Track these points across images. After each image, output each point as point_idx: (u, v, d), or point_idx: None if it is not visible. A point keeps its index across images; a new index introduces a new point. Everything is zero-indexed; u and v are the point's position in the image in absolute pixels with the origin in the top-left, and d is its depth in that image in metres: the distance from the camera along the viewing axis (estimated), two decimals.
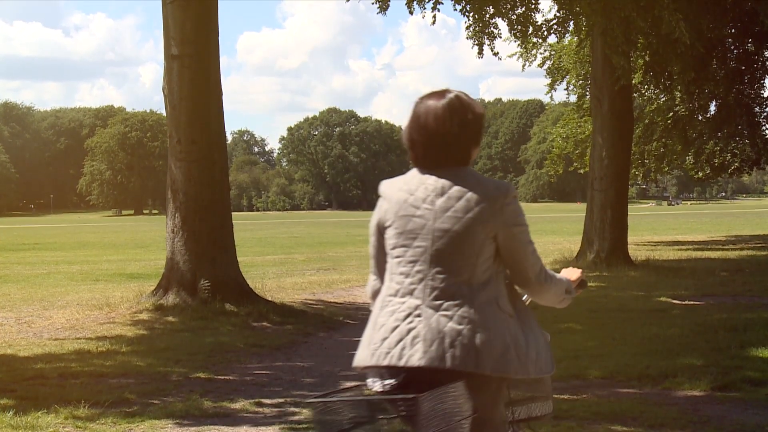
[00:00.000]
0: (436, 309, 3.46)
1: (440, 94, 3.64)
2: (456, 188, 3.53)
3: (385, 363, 3.52)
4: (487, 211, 3.50)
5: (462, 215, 3.49)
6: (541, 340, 3.65)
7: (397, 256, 3.60)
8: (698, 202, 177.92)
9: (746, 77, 31.63)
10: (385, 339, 3.54)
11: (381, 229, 3.70)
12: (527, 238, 3.61)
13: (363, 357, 3.64)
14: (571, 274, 3.97)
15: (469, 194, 3.51)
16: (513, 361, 3.46)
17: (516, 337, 3.51)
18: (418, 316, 3.48)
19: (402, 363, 3.47)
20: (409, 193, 3.60)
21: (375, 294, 3.80)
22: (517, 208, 3.59)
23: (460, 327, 3.41)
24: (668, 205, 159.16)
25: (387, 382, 3.55)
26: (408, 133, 3.67)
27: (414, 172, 3.68)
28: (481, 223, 3.49)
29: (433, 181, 3.57)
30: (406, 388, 3.44)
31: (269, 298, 16.17)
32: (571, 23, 24.65)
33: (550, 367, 3.67)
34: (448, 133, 3.56)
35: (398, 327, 3.51)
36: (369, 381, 3.65)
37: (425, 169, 3.63)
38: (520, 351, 3.49)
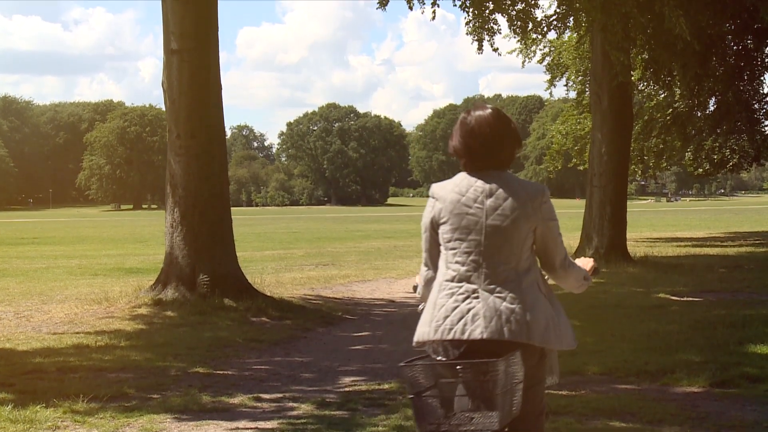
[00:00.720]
0: (491, 292, 4.09)
1: (483, 107, 4.29)
2: (502, 190, 4.16)
3: (449, 337, 4.07)
4: (530, 209, 4.16)
5: (509, 213, 4.13)
6: (565, 317, 4.33)
7: (453, 248, 4.19)
8: (697, 198, 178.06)
9: (746, 74, 31.62)
10: (447, 317, 4.10)
11: (435, 226, 4.28)
12: (558, 231, 4.31)
13: (426, 332, 4.17)
14: (585, 263, 4.65)
15: (514, 195, 4.15)
16: (552, 335, 4.17)
17: (552, 314, 4.21)
18: (476, 297, 4.09)
19: (465, 336, 4.04)
20: (460, 194, 4.19)
21: (428, 282, 4.37)
22: (551, 206, 4.26)
23: (513, 306, 4.07)
24: (667, 201, 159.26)
25: (450, 352, 4.08)
26: (459, 141, 4.25)
27: (462, 176, 4.25)
28: (525, 219, 4.15)
29: (481, 184, 4.18)
30: (465, 359, 3.98)
31: (268, 293, 16.17)
32: (571, 19, 24.62)
33: (574, 341, 4.36)
34: (497, 139, 4.20)
35: (458, 307, 4.09)
36: (431, 354, 4.15)
37: (473, 173, 4.21)
38: (556, 326, 4.20)
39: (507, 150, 4.24)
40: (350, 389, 9.31)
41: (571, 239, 31.63)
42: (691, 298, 16.20)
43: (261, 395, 8.95)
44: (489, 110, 4.25)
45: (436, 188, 4.31)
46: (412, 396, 4.00)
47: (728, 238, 39.17)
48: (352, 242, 41.50)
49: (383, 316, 15.74)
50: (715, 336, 11.50)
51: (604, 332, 12.31)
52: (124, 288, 17.54)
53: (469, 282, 4.12)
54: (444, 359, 4.07)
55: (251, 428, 7.68)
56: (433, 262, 4.34)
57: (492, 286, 4.10)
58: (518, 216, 4.14)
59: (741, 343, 10.96)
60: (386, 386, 9.33)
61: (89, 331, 12.94)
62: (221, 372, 10.28)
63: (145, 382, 9.44)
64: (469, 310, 4.07)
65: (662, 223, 58.61)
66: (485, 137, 4.18)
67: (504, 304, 4.07)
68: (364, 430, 7.50)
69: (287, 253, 33.71)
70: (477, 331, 4.02)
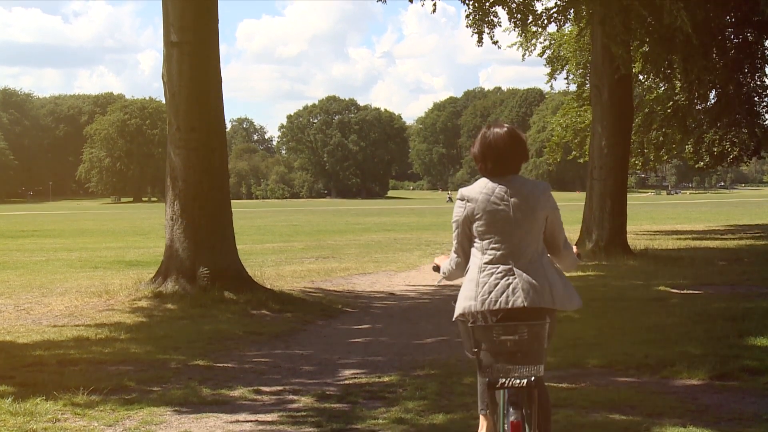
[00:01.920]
0: (524, 270, 5.11)
1: (501, 125, 5.35)
2: (521, 189, 5.19)
3: (495, 307, 5.04)
4: (543, 202, 5.22)
5: (531, 207, 5.17)
6: (570, 284, 5.32)
7: (488, 238, 5.18)
8: (697, 191, 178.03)
9: (746, 66, 31.58)
10: (491, 291, 5.07)
11: (468, 223, 5.24)
12: (560, 218, 5.39)
13: (472, 305, 5.10)
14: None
15: (530, 193, 5.19)
16: (567, 300, 5.21)
17: (563, 283, 5.25)
18: (513, 275, 5.09)
19: (509, 305, 5.03)
20: (488, 195, 5.18)
21: (458, 266, 5.36)
22: (553, 198, 5.34)
23: (540, 280, 5.11)
24: (667, 194, 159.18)
25: (489, 320, 5.04)
26: (479, 150, 5.27)
27: (485, 181, 5.25)
28: (541, 210, 5.21)
29: (503, 186, 5.19)
30: (502, 325, 4.97)
31: (268, 286, 16.17)
32: (571, 12, 24.60)
33: (580, 302, 5.32)
34: (509, 153, 5.23)
35: (499, 283, 5.09)
36: (473, 319, 5.10)
37: (494, 177, 5.23)
38: (567, 292, 5.25)
39: (517, 160, 5.27)
40: (350, 382, 9.32)
41: (571, 232, 31.53)
42: (691, 291, 16.21)
43: (261, 388, 8.95)
44: (505, 128, 5.31)
45: (466, 192, 5.26)
46: (475, 350, 4.99)
47: (728, 230, 39.17)
48: (352, 235, 41.51)
49: (383, 309, 15.74)
50: (714, 329, 11.51)
51: (604, 325, 12.32)
52: (124, 281, 17.55)
53: (505, 263, 5.12)
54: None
55: (251, 421, 7.69)
56: (463, 251, 5.32)
57: (523, 265, 5.12)
58: (536, 208, 5.18)
59: (741, 336, 10.97)
60: (386, 379, 9.34)
61: (89, 323, 12.95)
62: (221, 365, 10.28)
63: (146, 375, 9.45)
64: (509, 285, 5.07)
65: (662, 216, 58.61)
66: (500, 150, 5.22)
67: (534, 279, 5.09)
68: (364, 423, 7.51)
69: (287, 245, 33.71)
70: (519, 300, 5.02)
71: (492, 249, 5.16)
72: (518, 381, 4.82)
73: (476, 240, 5.23)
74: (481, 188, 5.22)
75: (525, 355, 4.91)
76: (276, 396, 8.65)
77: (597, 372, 9.41)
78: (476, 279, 5.15)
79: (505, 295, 5.05)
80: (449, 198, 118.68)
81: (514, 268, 5.10)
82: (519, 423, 4.76)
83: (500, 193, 5.17)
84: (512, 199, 5.15)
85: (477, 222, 5.19)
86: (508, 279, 5.09)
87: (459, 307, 5.18)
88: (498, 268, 5.13)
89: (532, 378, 4.85)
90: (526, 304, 5.01)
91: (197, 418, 7.76)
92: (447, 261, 5.46)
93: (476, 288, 5.12)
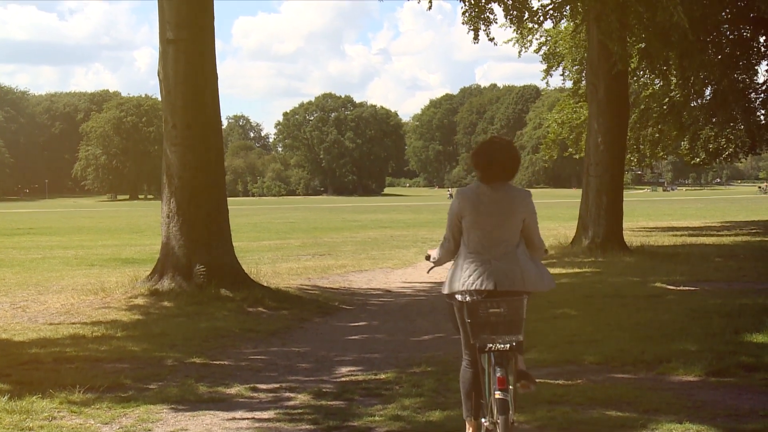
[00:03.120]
0: (498, 260, 6.11)
1: (501, 140, 6.32)
2: (505, 195, 6.16)
3: (472, 288, 6.06)
4: (522, 207, 6.19)
5: (510, 209, 6.16)
6: (545, 269, 6.34)
7: (473, 233, 6.17)
8: (693, 188, 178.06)
9: (741, 63, 31.59)
10: (470, 276, 6.10)
11: (459, 217, 6.23)
12: (536, 220, 6.33)
13: (455, 285, 6.14)
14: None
15: (512, 199, 6.18)
16: (538, 283, 6.19)
17: (536, 270, 6.22)
18: (489, 264, 6.09)
19: (482, 288, 6.04)
20: (477, 197, 6.17)
21: (447, 251, 6.40)
22: (533, 204, 6.26)
23: (512, 267, 6.09)
24: (663, 191, 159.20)
25: (473, 298, 6.05)
26: (477, 160, 6.19)
27: (478, 184, 6.22)
28: (520, 213, 6.19)
29: (491, 191, 6.16)
30: (485, 300, 6.02)
31: (264, 284, 16.17)
32: (567, 8, 24.58)
33: (553, 283, 6.35)
34: (503, 164, 6.16)
35: (477, 269, 6.09)
36: (459, 297, 6.13)
37: (487, 183, 6.17)
38: (540, 277, 6.21)
39: (509, 171, 6.18)
40: (347, 379, 9.32)
41: (567, 229, 31.63)
42: (687, 288, 16.22)
43: (258, 385, 8.96)
44: (504, 142, 6.30)
45: (461, 192, 6.29)
46: (468, 321, 6.02)
47: (724, 227, 39.19)
48: (348, 232, 41.51)
49: (380, 306, 15.76)
50: (711, 325, 11.51)
51: (600, 322, 12.32)
52: (120, 278, 17.54)
53: (486, 254, 6.12)
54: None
55: (248, 418, 7.69)
56: (453, 240, 6.33)
57: (498, 256, 6.12)
58: (515, 211, 6.17)
59: (737, 332, 10.97)
60: (383, 376, 9.35)
61: (86, 321, 12.94)
62: (218, 362, 10.28)
63: (142, 373, 9.45)
64: (484, 272, 6.07)
65: (658, 213, 58.65)
66: (495, 162, 6.14)
67: (507, 267, 6.08)
68: (360, 420, 7.51)
69: (284, 243, 33.71)
70: (490, 284, 6.04)
71: (477, 242, 6.16)
72: (502, 345, 5.94)
73: (465, 231, 6.23)
74: (473, 190, 6.23)
75: (506, 326, 5.98)
76: (273, 393, 8.66)
77: (593, 368, 9.42)
78: (461, 266, 6.19)
79: (480, 279, 6.06)
80: (450, 195, 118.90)
81: (492, 259, 6.11)
82: (504, 378, 5.85)
83: (487, 197, 6.15)
84: (494, 203, 6.13)
85: (465, 218, 6.20)
86: (484, 267, 6.09)
87: (446, 287, 6.27)
88: (480, 256, 6.14)
89: (513, 343, 5.97)
90: (493, 288, 6.03)
91: (194, 416, 7.76)
92: (436, 250, 6.51)
93: (460, 273, 6.16)
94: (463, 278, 6.14)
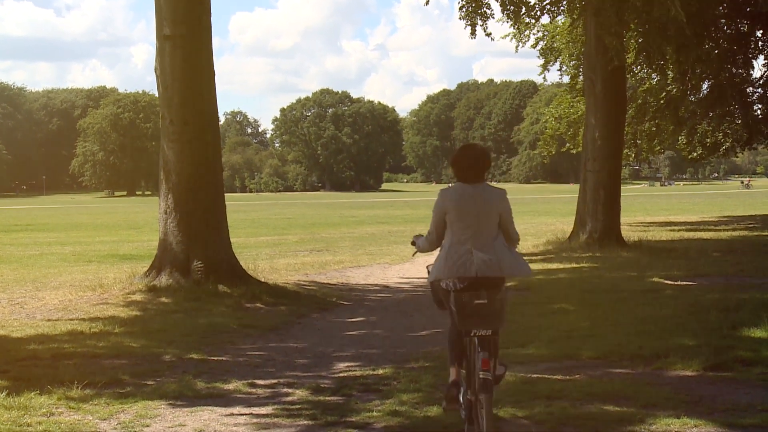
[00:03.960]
0: (479, 250, 6.76)
1: (474, 146, 7.24)
2: (484, 192, 6.88)
3: (456, 275, 6.72)
4: (498, 204, 6.90)
5: (488, 206, 6.86)
6: (521, 258, 7.00)
7: (456, 226, 6.84)
8: (691, 182, 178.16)
9: (739, 57, 31.60)
10: (455, 264, 6.75)
11: (443, 214, 6.91)
12: (511, 216, 7.02)
13: (441, 273, 6.81)
14: None
15: (490, 196, 6.90)
16: (515, 270, 6.84)
17: (513, 258, 6.86)
18: (470, 254, 6.75)
19: (466, 275, 6.70)
20: (460, 195, 6.87)
21: (431, 243, 7.13)
22: (508, 202, 7.00)
23: (491, 257, 6.75)
24: (661, 185, 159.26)
25: (458, 284, 6.70)
26: (457, 163, 6.97)
27: (459, 185, 6.94)
28: (497, 209, 6.90)
29: (471, 190, 6.87)
30: (469, 289, 6.68)
31: (262, 279, 16.18)
32: (564, 3, 24.59)
33: (530, 270, 7.02)
34: (478, 166, 6.94)
35: (461, 258, 6.75)
36: (443, 284, 6.85)
37: (466, 183, 6.91)
38: (516, 264, 6.85)
39: (483, 171, 6.99)
40: (345, 375, 9.33)
41: (564, 224, 31.68)
42: (684, 282, 16.23)
43: (256, 381, 8.97)
44: (478, 148, 7.15)
45: (445, 192, 7.02)
46: (454, 310, 6.68)
47: (722, 222, 39.22)
48: (346, 228, 41.52)
49: (377, 302, 15.76)
50: (708, 320, 11.53)
51: (598, 317, 12.33)
52: (118, 274, 17.54)
53: (466, 245, 6.80)
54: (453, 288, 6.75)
55: (246, 414, 7.70)
56: (436, 233, 7.02)
57: (479, 246, 6.79)
58: (492, 208, 6.89)
59: (734, 327, 10.98)
60: (381, 371, 9.35)
61: (83, 317, 12.93)
62: (216, 358, 10.28)
63: (140, 369, 9.45)
64: (467, 261, 6.75)
65: (656, 208, 58.69)
66: (471, 165, 6.94)
67: (486, 255, 6.76)
68: (358, 416, 7.52)
69: (281, 239, 33.71)
70: (472, 271, 6.71)
71: (461, 234, 6.85)
72: (484, 332, 6.61)
73: (449, 226, 6.92)
74: (456, 190, 6.96)
75: (489, 316, 6.65)
76: (271, 389, 8.66)
77: (591, 363, 9.43)
78: (446, 255, 6.85)
79: (464, 267, 6.74)
80: None
81: (473, 249, 6.78)
82: (487, 359, 6.51)
83: (468, 195, 6.88)
84: (476, 200, 6.86)
85: (449, 214, 6.90)
86: (467, 256, 6.76)
87: (433, 273, 6.97)
88: (461, 247, 6.80)
89: (495, 329, 6.67)
90: (474, 275, 6.70)
91: (192, 412, 7.76)
92: (422, 238, 7.33)
93: (446, 261, 6.83)
94: (447, 266, 6.83)
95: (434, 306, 7.26)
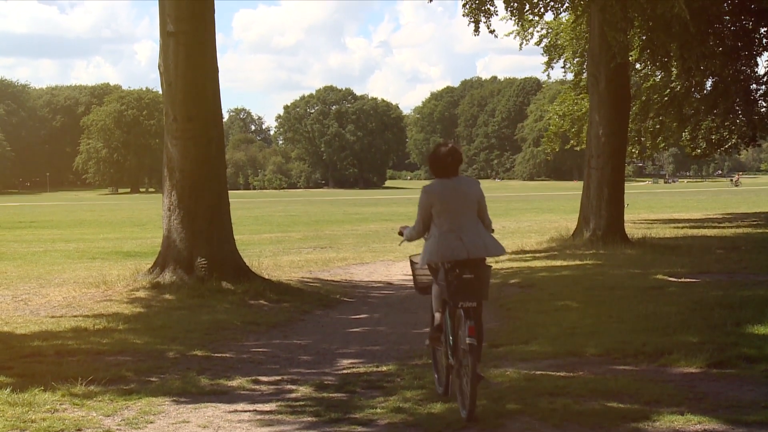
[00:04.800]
0: (465, 235, 7.69)
1: (447, 144, 8.04)
2: (463, 185, 7.88)
3: (449, 258, 7.62)
4: (474, 193, 7.89)
5: (467, 196, 7.84)
6: (496, 240, 7.95)
7: (442, 216, 7.77)
8: (694, 180, 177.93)
9: (743, 54, 31.53)
10: (447, 247, 7.64)
11: (429, 207, 7.84)
12: (485, 203, 8.00)
13: (435, 256, 7.73)
14: None
15: (469, 187, 7.90)
16: (495, 250, 7.81)
17: (493, 240, 7.88)
18: (459, 239, 7.66)
19: (458, 257, 7.59)
20: (442, 189, 7.82)
21: (418, 233, 8.05)
22: (482, 190, 7.99)
23: (476, 240, 7.70)
24: (665, 183, 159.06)
25: (448, 264, 7.62)
26: (434, 162, 7.93)
27: (439, 180, 7.88)
28: (475, 198, 7.89)
29: (451, 182, 7.84)
30: (457, 267, 7.56)
31: (266, 276, 16.18)
32: (568, 0, 24.55)
33: (504, 251, 8.06)
34: (453, 163, 7.89)
35: (451, 243, 7.66)
36: (434, 265, 7.86)
37: (444, 178, 7.87)
38: (496, 246, 7.84)
39: (458, 166, 7.95)
40: (348, 371, 9.34)
41: (568, 221, 31.65)
42: (688, 280, 16.21)
43: (259, 378, 8.98)
44: (449, 147, 7.99)
45: (428, 188, 7.90)
46: (441, 283, 7.67)
47: (726, 219, 39.16)
48: (349, 225, 41.53)
49: (381, 299, 15.77)
50: (712, 317, 11.52)
51: (601, 314, 12.33)
52: (121, 271, 17.56)
53: (453, 231, 7.72)
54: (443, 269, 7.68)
55: (250, 411, 7.71)
56: (423, 224, 7.96)
57: (465, 232, 7.72)
58: (472, 197, 7.87)
59: (738, 324, 10.98)
60: (384, 368, 9.36)
61: (87, 314, 12.95)
62: (219, 355, 10.30)
63: (144, 365, 9.46)
64: (456, 245, 7.66)
65: (660, 205, 58.63)
66: (448, 162, 7.88)
67: (472, 239, 7.70)
68: (362, 412, 7.53)
69: (285, 236, 33.73)
70: (463, 254, 7.62)
71: (445, 222, 7.75)
72: (470, 303, 7.45)
73: (434, 217, 7.84)
74: (438, 185, 7.87)
75: (475, 290, 7.51)
76: (274, 386, 8.68)
77: (594, 360, 9.43)
78: (437, 241, 7.74)
79: (456, 251, 7.62)
80: None
81: (461, 235, 7.69)
82: (473, 327, 7.27)
83: (449, 188, 7.81)
84: (456, 192, 7.80)
85: (434, 207, 7.81)
86: (456, 241, 7.67)
87: (425, 257, 7.86)
88: (451, 234, 7.70)
89: (480, 302, 7.56)
90: (467, 257, 7.60)
91: (196, 408, 7.77)
92: (409, 228, 8.26)
93: (437, 246, 7.72)
94: (441, 251, 7.69)
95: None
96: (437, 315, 7.97)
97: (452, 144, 8.09)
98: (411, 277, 8.72)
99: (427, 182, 8.21)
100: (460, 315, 7.49)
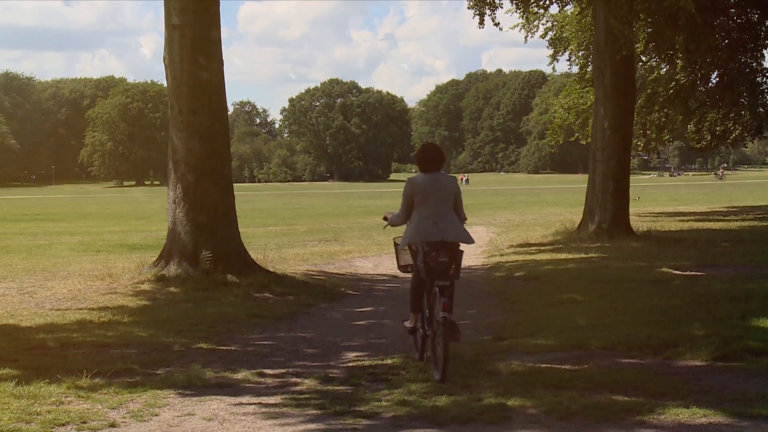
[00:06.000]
0: (441, 222, 8.81)
1: (431, 144, 9.55)
2: (442, 179, 9.06)
3: (426, 240, 8.74)
4: (451, 188, 9.03)
5: (444, 189, 8.99)
6: (468, 231, 9.08)
7: (423, 205, 8.92)
8: (700, 173, 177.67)
9: (749, 46, 31.46)
10: (424, 231, 8.79)
11: (411, 197, 9.02)
12: (461, 198, 9.12)
13: (414, 239, 8.92)
14: None
15: (447, 183, 9.08)
16: (466, 238, 8.92)
17: (464, 229, 9.00)
18: (436, 225, 8.80)
19: (434, 240, 8.73)
20: (423, 182, 8.99)
21: (401, 219, 9.25)
22: (458, 186, 9.22)
23: (451, 227, 8.84)
24: (670, 176, 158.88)
25: (426, 247, 8.72)
26: (419, 159, 9.20)
27: (422, 174, 9.08)
28: (452, 191, 9.02)
29: (432, 177, 9.02)
30: (434, 251, 8.66)
31: (271, 269, 16.18)
32: None
33: (473, 240, 9.16)
34: (436, 160, 9.14)
35: (429, 228, 8.81)
36: (414, 247, 9.04)
37: (427, 173, 9.07)
38: (467, 235, 8.94)
39: (440, 163, 9.19)
40: (353, 364, 9.34)
41: (573, 214, 31.63)
42: (693, 273, 16.19)
43: (264, 371, 8.98)
44: (433, 146, 9.49)
45: (413, 179, 9.14)
46: (420, 264, 8.78)
47: (731, 212, 39.13)
48: (354, 218, 41.54)
49: (386, 292, 15.77)
50: (717, 310, 11.50)
51: (607, 307, 12.32)
52: (127, 264, 17.56)
53: (432, 218, 8.85)
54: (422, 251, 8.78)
55: (255, 403, 7.71)
56: (406, 211, 9.12)
57: (441, 220, 8.85)
58: (449, 190, 9.02)
59: (743, 317, 10.96)
60: (389, 361, 9.36)
61: (92, 307, 12.96)
62: (225, 347, 10.30)
63: (149, 358, 9.47)
64: (434, 230, 8.79)
65: (665, 198, 58.59)
66: (432, 160, 9.16)
67: (447, 227, 8.83)
68: (367, 405, 7.52)
69: (290, 229, 33.74)
70: (439, 237, 8.75)
71: (425, 210, 8.92)
72: (443, 282, 8.50)
73: (416, 205, 9.01)
74: (420, 178, 9.08)
75: (448, 270, 8.59)
76: (279, 378, 8.68)
77: (600, 353, 9.42)
78: (417, 226, 8.92)
79: (432, 234, 8.77)
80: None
81: (437, 221, 8.83)
82: (447, 303, 8.35)
83: (430, 182, 9.01)
84: (436, 185, 8.98)
85: (416, 196, 8.99)
86: (433, 226, 8.81)
87: (406, 240, 9.09)
88: (428, 220, 8.85)
89: (453, 281, 8.61)
90: (443, 239, 8.73)
91: (200, 401, 7.78)
92: (394, 214, 9.47)
93: (417, 230, 8.89)
94: (419, 234, 8.86)
95: None
96: (412, 316, 9.28)
97: (437, 145, 9.65)
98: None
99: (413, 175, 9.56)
100: (436, 292, 8.58)
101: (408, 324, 9.39)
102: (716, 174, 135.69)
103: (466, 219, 9.20)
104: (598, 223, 24.02)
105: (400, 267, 9.77)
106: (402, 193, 9.14)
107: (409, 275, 9.46)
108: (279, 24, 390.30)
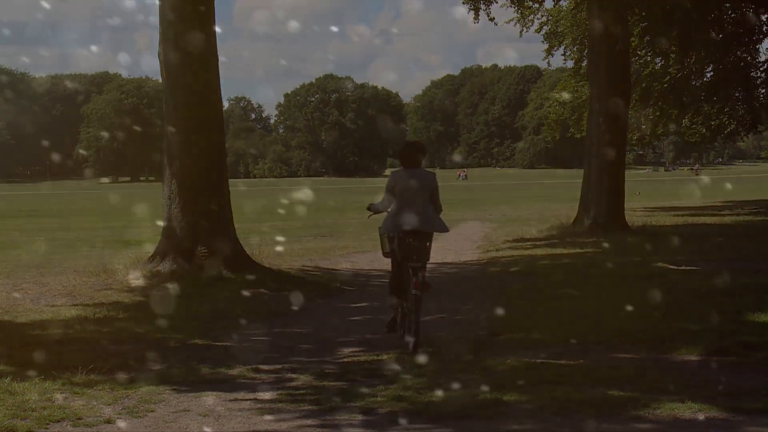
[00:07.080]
0: (417, 213, 9.89)
1: (413, 141, 11.04)
2: (421, 175, 10.17)
3: (402, 228, 9.86)
4: (429, 183, 10.17)
5: (421, 184, 10.10)
6: (443, 221, 10.30)
7: (402, 197, 9.99)
8: (694, 167, 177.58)
9: (744, 41, 31.49)
10: (402, 220, 9.82)
11: (393, 189, 10.10)
12: (438, 192, 10.30)
13: (392, 227, 10.00)
14: None
15: (424, 178, 10.17)
16: (439, 227, 10.19)
17: (439, 220, 10.20)
18: (412, 215, 9.81)
19: (408, 228, 9.81)
20: (404, 176, 10.12)
21: (384, 207, 10.30)
22: (436, 181, 10.35)
23: (424, 217, 9.95)
24: (665, 170, 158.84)
25: (401, 234, 9.88)
26: (404, 156, 10.33)
27: (403, 170, 10.22)
28: (427, 186, 10.14)
29: (410, 172, 10.15)
30: (408, 237, 9.84)
31: (266, 265, 16.17)
32: None
33: (448, 229, 10.64)
34: (416, 156, 10.29)
35: (404, 217, 9.82)
36: (392, 233, 10.06)
37: (408, 168, 10.20)
38: (440, 224, 10.20)
39: (421, 160, 10.25)
40: (349, 360, 9.34)
41: (569, 209, 31.59)
42: (688, 267, 16.20)
43: (260, 366, 8.97)
44: (415, 144, 10.76)
45: (395, 173, 10.28)
46: (397, 249, 9.97)
47: (726, 206, 39.15)
48: (350, 213, 41.47)
49: (382, 287, 15.71)
50: (712, 305, 11.51)
51: (601, 302, 12.34)
52: (122, 260, 17.52)
53: (409, 209, 9.84)
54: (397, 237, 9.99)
55: (250, 399, 7.71)
56: (388, 200, 10.15)
57: (417, 211, 9.86)
58: (425, 185, 10.07)
59: (738, 312, 10.99)
60: (385, 357, 9.36)
61: (88, 303, 12.95)
62: (220, 343, 10.30)
63: (144, 354, 9.45)
64: (410, 219, 9.77)
65: (660, 193, 58.59)
66: (412, 156, 10.24)
67: (422, 217, 9.85)
68: (363, 401, 7.53)
69: (285, 224, 33.70)
70: (414, 225, 9.78)
71: (403, 202, 9.96)
72: (415, 264, 9.68)
73: (396, 196, 10.05)
74: (402, 173, 10.17)
75: (419, 253, 9.79)
76: (275, 374, 8.68)
77: (595, 348, 9.43)
78: (395, 215, 9.97)
79: (408, 223, 9.79)
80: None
81: (413, 212, 9.83)
82: (417, 282, 9.55)
83: (409, 177, 10.06)
84: (414, 180, 10.04)
85: (396, 188, 10.03)
86: (411, 217, 9.80)
87: (385, 227, 10.12)
88: (405, 210, 9.86)
89: (423, 263, 9.80)
90: (416, 228, 9.80)
91: (196, 397, 7.77)
92: (376, 203, 10.55)
93: (394, 219, 9.95)
94: (396, 222, 9.93)
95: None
96: (393, 310, 10.57)
97: (419, 142, 10.97)
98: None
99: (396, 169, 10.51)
100: (409, 272, 9.73)
101: (391, 317, 10.61)
102: (693, 170, 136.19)
103: (441, 209, 10.26)
104: (593, 218, 24.05)
105: (384, 254, 10.49)
106: (385, 185, 10.28)
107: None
108: (274, 19, 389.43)
